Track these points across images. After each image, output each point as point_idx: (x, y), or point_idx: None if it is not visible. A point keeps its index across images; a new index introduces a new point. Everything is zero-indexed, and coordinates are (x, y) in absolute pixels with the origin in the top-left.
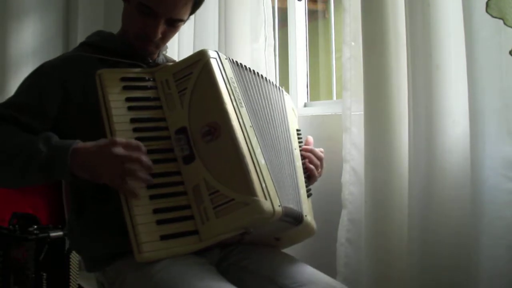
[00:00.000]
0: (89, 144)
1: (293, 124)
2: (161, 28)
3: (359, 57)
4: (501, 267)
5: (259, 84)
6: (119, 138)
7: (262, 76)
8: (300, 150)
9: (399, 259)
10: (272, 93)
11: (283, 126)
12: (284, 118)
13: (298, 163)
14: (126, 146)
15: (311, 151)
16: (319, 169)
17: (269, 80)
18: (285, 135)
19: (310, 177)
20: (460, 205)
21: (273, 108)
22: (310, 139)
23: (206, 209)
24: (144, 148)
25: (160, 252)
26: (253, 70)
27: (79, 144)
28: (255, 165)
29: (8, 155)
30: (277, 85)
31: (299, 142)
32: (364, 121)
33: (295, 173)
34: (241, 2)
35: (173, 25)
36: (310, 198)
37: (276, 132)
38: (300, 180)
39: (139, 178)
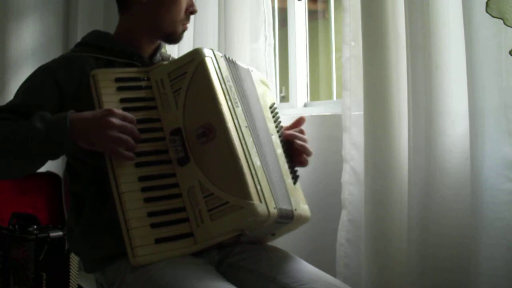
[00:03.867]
0: (85, 113)
1: (266, 103)
2: (194, 2)
3: (359, 57)
4: (501, 268)
5: (245, 78)
6: (116, 109)
7: (236, 62)
8: (281, 132)
9: (399, 260)
10: (249, 82)
11: (261, 114)
12: (259, 105)
13: (279, 150)
14: (123, 117)
15: (294, 136)
16: (306, 153)
17: (239, 64)
18: (265, 125)
19: (298, 161)
20: (460, 205)
21: (256, 99)
22: (303, 119)
23: (201, 211)
24: (135, 120)
25: (154, 255)
26: (241, 66)
27: (74, 113)
28: (250, 167)
29: (4, 139)
30: (243, 65)
31: (276, 119)
32: (364, 121)
33: (279, 163)
34: (241, 2)
35: None
36: (298, 183)
37: (263, 126)
38: (284, 170)
39: (131, 148)
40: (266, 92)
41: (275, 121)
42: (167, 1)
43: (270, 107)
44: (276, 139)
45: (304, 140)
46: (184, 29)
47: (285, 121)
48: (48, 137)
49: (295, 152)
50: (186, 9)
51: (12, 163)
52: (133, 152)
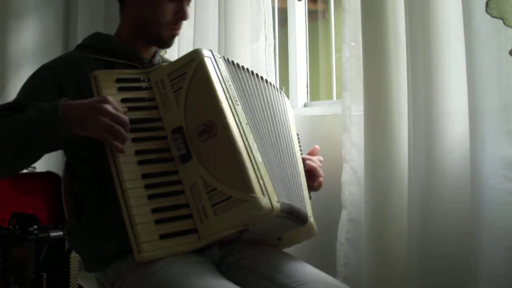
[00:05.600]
0: (80, 100)
1: (294, 128)
2: (187, 9)
3: (359, 57)
4: (501, 267)
5: (255, 83)
6: (110, 98)
7: (259, 75)
8: (302, 156)
9: (399, 259)
10: (271, 93)
11: (284, 126)
12: (285, 119)
13: (301, 166)
14: (115, 108)
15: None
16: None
17: (269, 81)
18: (287, 136)
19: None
20: (460, 205)
21: (273, 107)
22: (317, 149)
23: (204, 207)
24: (126, 112)
25: (160, 251)
26: (249, 69)
27: (68, 100)
28: (252, 162)
29: (2, 132)
30: (277, 87)
31: (299, 145)
32: (364, 121)
33: (299, 174)
34: (241, 2)
35: (188, 4)
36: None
37: (276, 131)
38: (303, 182)
39: (121, 137)
40: (294, 123)
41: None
42: (153, 2)
43: (297, 134)
44: (299, 156)
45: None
46: (173, 34)
47: None
48: (42, 122)
49: (312, 178)
50: (175, 13)
51: (12, 155)
52: (123, 143)
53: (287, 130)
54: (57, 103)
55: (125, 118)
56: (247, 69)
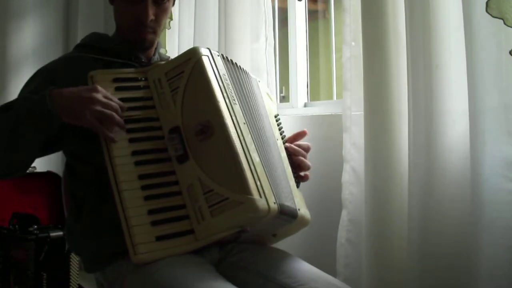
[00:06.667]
0: (70, 88)
1: (271, 112)
2: (152, 10)
3: (359, 57)
4: (501, 267)
5: (247, 80)
6: (100, 87)
7: (243, 69)
8: (285, 142)
9: (399, 259)
10: (254, 86)
11: (267, 119)
12: (265, 110)
13: (283, 154)
14: (106, 96)
15: (296, 151)
16: (304, 168)
17: (248, 72)
18: (270, 128)
19: (300, 167)
20: (460, 205)
21: (258, 102)
22: (303, 134)
23: (201, 208)
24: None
25: (156, 253)
26: (239, 66)
27: (56, 88)
28: (249, 162)
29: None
30: (252, 75)
31: (280, 128)
32: (364, 121)
33: (283, 165)
34: (241, 2)
35: (161, 4)
36: (299, 188)
37: (265, 127)
38: (288, 172)
39: (115, 123)
40: (270, 103)
41: (279, 129)
42: (116, 6)
43: (275, 116)
44: (280, 144)
45: (304, 156)
46: (142, 38)
47: (286, 121)
48: (31, 110)
49: (294, 165)
50: (133, 17)
51: (4, 150)
52: (121, 125)
53: (268, 121)
54: (44, 92)
55: (116, 103)
56: (239, 65)
